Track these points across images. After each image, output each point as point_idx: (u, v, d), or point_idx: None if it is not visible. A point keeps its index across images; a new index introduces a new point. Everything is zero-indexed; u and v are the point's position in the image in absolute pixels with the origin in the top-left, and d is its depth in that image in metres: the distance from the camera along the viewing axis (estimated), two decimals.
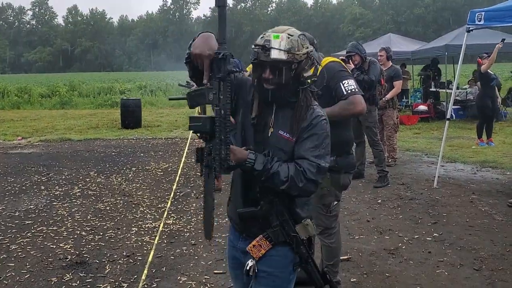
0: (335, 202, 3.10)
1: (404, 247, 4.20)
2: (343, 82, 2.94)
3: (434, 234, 4.48)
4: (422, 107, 13.17)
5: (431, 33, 64.29)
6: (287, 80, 1.84)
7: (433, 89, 14.21)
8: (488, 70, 8.89)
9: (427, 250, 4.11)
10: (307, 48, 1.86)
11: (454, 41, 11.79)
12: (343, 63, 3.18)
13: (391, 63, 7.38)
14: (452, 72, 14.71)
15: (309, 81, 1.92)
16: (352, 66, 6.10)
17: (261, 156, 1.83)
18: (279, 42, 1.80)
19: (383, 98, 6.85)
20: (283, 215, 1.91)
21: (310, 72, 1.91)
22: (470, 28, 5.92)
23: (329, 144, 1.92)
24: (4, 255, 4.16)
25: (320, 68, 3.07)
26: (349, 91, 2.92)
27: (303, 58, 1.84)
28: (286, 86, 1.86)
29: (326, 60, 3.11)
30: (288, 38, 1.81)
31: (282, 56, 1.80)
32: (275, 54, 1.79)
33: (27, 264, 3.98)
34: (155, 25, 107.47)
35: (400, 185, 6.28)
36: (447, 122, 6.34)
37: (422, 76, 15.40)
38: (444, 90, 13.34)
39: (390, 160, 7.22)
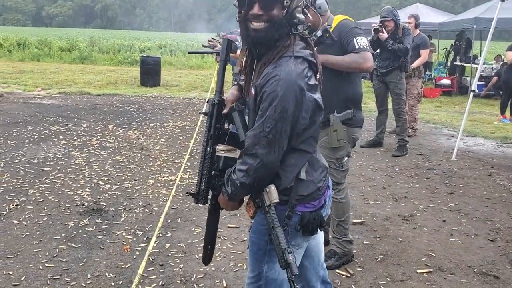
0: (346, 158, 3.15)
1: (418, 214, 4.18)
2: (357, 38, 2.96)
3: (450, 204, 4.44)
4: (445, 81, 12.86)
5: (459, 8, 62.27)
6: (279, 18, 1.62)
7: (458, 63, 13.83)
8: None
9: (442, 218, 4.08)
10: None
11: (485, 14, 11.33)
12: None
13: (418, 31, 7.16)
14: (479, 48, 14.25)
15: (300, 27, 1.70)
16: (386, 35, 5.93)
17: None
18: None
19: (409, 67, 6.67)
20: None
21: (302, 16, 1.69)
22: None
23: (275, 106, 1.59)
24: (23, 198, 4.25)
25: (332, 27, 3.03)
26: (361, 47, 2.94)
27: None
28: (277, 26, 1.63)
29: (338, 18, 3.06)
30: None
31: None
32: None
33: (45, 208, 4.06)
34: None
35: (418, 155, 6.20)
36: (471, 94, 6.17)
37: (450, 49, 14.79)
38: (469, 65, 12.98)
39: (410, 131, 7.09)
